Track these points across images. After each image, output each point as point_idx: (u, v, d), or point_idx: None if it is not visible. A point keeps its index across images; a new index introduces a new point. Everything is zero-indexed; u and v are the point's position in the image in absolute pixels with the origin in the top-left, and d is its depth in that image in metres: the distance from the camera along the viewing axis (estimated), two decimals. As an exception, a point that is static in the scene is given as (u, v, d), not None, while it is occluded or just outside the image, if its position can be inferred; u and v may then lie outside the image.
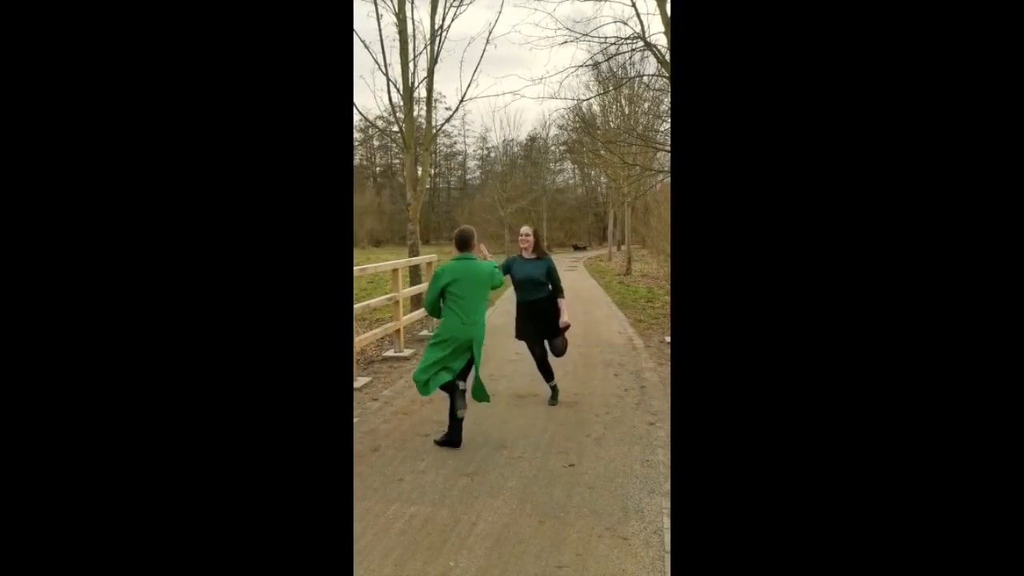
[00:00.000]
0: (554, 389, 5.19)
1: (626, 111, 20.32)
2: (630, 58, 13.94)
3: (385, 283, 14.45)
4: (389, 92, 10.47)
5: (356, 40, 10.76)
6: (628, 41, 9.67)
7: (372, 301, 7.16)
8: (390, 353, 7.24)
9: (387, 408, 5.11)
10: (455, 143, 53.70)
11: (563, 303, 5.00)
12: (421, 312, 8.59)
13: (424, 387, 4.09)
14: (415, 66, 10.31)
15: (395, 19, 10.10)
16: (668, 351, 7.18)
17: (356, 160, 49.99)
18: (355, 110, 12.42)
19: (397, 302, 7.24)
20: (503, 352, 7.18)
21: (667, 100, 16.80)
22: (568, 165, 42.89)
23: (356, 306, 6.08)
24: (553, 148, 40.71)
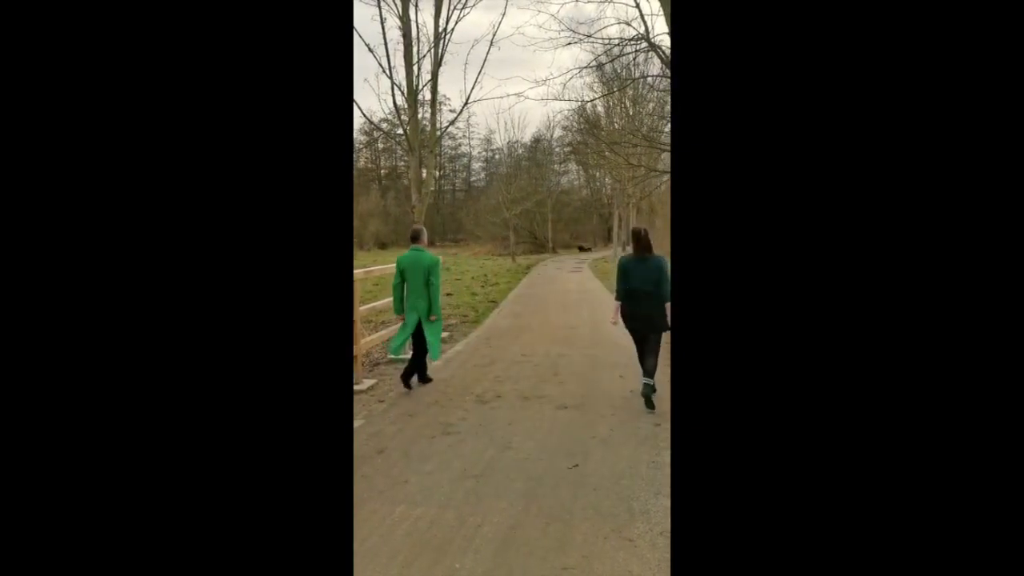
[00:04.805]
0: (647, 387, 4.91)
1: (630, 112, 20.29)
2: (634, 59, 13.90)
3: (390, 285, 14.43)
4: (394, 95, 10.47)
5: (360, 43, 10.80)
6: (632, 42, 9.66)
7: (378, 303, 7.17)
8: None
9: (393, 410, 5.11)
10: (460, 145, 53.85)
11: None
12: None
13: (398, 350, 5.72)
14: (419, 69, 10.32)
15: (399, 22, 10.11)
16: (674, 352, 7.15)
17: (361, 163, 50.17)
18: (360, 113, 12.47)
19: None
20: (509, 353, 7.18)
21: (672, 100, 16.68)
22: (573, 166, 42.90)
23: (362, 308, 6.09)
24: (557, 149, 40.75)
